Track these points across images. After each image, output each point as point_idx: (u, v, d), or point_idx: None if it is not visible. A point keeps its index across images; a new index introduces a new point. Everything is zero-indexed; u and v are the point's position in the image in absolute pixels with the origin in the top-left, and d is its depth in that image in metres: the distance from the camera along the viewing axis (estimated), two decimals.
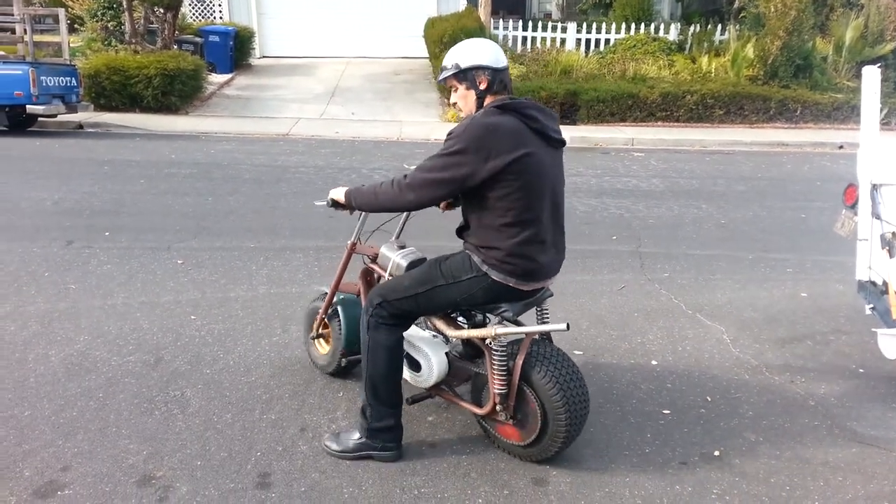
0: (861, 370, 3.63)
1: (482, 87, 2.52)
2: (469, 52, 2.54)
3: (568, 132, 11.68)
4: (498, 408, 2.66)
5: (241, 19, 17.52)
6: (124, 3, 13.47)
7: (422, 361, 2.82)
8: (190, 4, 17.68)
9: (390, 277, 2.90)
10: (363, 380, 2.72)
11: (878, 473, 2.76)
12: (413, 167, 2.78)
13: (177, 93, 12.69)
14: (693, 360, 3.69)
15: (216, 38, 15.64)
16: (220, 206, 6.54)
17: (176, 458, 2.74)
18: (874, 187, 3.51)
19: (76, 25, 15.74)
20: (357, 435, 2.76)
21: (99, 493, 2.51)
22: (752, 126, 12.83)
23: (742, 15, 15.35)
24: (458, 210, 2.71)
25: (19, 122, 10.78)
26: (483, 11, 15.26)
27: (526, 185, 2.43)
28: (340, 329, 3.18)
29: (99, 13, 14.81)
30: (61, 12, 10.85)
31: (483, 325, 2.74)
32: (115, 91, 12.41)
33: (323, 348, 3.37)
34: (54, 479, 2.58)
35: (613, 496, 2.59)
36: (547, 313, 2.85)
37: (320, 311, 3.25)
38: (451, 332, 2.76)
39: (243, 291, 4.44)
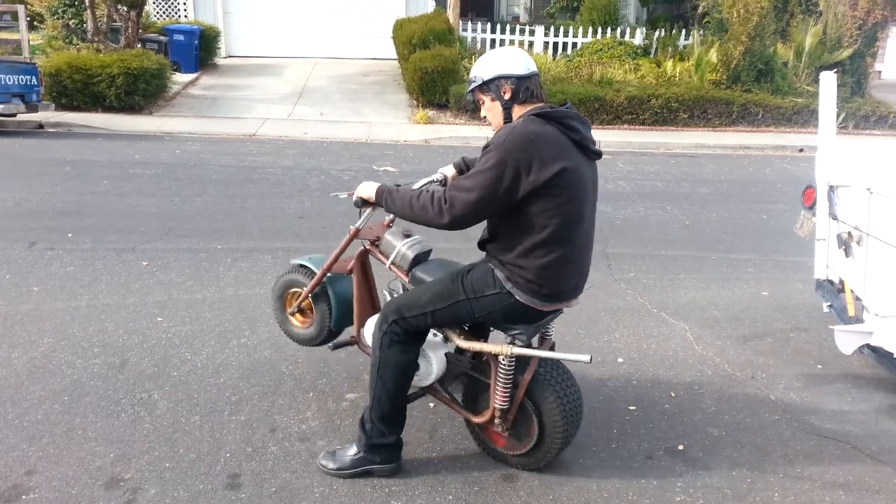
0: (819, 366, 3.74)
1: (506, 96, 2.40)
2: (491, 63, 2.43)
3: None
4: (497, 420, 2.61)
5: (207, 18, 17.31)
6: (87, 0, 13.23)
7: (421, 361, 2.68)
8: (154, 2, 17.42)
9: (392, 267, 2.82)
10: (370, 396, 2.62)
11: (835, 464, 2.85)
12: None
13: (140, 92, 12.48)
14: (658, 358, 3.77)
15: (181, 37, 15.43)
16: (187, 206, 6.47)
17: (144, 460, 2.72)
18: (831, 189, 3.62)
19: (36, 23, 15.42)
20: (354, 450, 2.67)
21: (65, 497, 2.48)
22: (715, 129, 13.08)
23: (706, 20, 15.64)
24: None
25: None
26: (452, 13, 15.32)
27: (567, 201, 2.30)
28: (329, 306, 3.07)
29: (60, 10, 14.54)
30: (20, 9, 10.60)
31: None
32: (77, 90, 12.17)
33: (301, 322, 3.26)
34: (18, 483, 2.55)
35: (581, 490, 2.65)
36: (552, 329, 2.80)
37: (306, 288, 3.08)
38: (463, 343, 2.64)
39: (211, 293, 4.40)
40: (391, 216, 2.85)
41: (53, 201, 6.42)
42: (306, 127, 11.90)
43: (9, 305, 4.10)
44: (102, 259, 4.97)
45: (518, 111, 2.42)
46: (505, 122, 2.43)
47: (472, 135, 11.82)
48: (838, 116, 9.37)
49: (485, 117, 2.53)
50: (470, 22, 16.07)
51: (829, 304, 3.70)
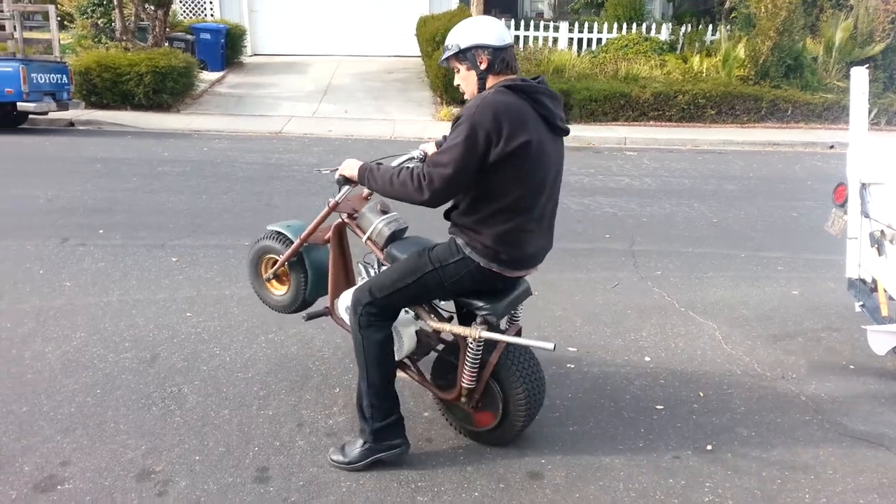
0: (851, 366, 3.68)
1: (482, 66, 2.43)
2: (469, 32, 2.45)
3: None
4: (463, 399, 2.72)
5: (233, 17, 17.47)
6: (115, 0, 13.42)
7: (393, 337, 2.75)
8: (181, 1, 17.62)
9: (368, 241, 2.87)
10: (360, 381, 2.66)
11: (867, 467, 2.80)
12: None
13: (168, 90, 12.65)
14: (686, 357, 3.74)
15: (207, 36, 15.59)
16: (215, 203, 6.54)
17: (174, 452, 2.76)
18: (863, 186, 3.56)
19: (66, 22, 15.67)
20: (361, 442, 2.69)
21: (98, 488, 2.52)
22: (743, 126, 12.92)
23: (733, 15, 15.43)
24: None
25: (10, 120, 10.71)
26: (475, 10, 15.26)
27: (527, 171, 2.38)
28: (305, 275, 3.14)
29: (89, 10, 14.76)
30: (51, 9, 10.78)
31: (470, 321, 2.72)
32: (107, 88, 12.36)
33: (278, 289, 3.32)
34: (54, 473, 2.60)
35: (608, 489, 2.63)
36: (521, 311, 2.90)
37: (283, 256, 3.13)
38: (434, 324, 2.73)
39: (238, 289, 4.45)
40: (368, 191, 2.89)
41: (84, 198, 6.53)
42: (331, 124, 11.96)
43: (42, 300, 4.18)
44: (133, 255, 5.04)
45: (492, 81, 2.45)
46: (479, 92, 2.46)
47: None
48: (870, 112, 9.18)
49: (458, 86, 2.56)
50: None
51: (861, 303, 3.64)
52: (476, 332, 2.55)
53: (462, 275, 2.51)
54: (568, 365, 3.59)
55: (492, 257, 2.46)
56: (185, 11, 17.74)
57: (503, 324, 2.81)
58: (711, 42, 15.37)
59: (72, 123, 11.48)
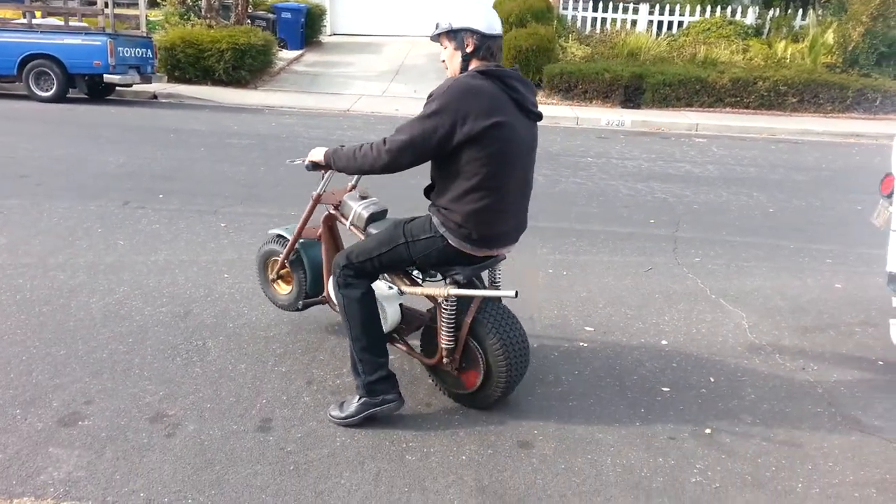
0: (881, 362, 3.53)
1: (468, 49, 2.52)
2: (463, 13, 2.53)
3: (630, 116, 11.49)
4: (445, 360, 2.83)
5: None
6: None
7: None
8: None
9: (351, 227, 3.05)
10: (349, 337, 2.81)
11: (872, 462, 2.71)
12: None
13: (247, 67, 13.13)
14: (705, 343, 3.67)
15: (288, 15, 16.04)
16: (271, 175, 6.80)
17: (188, 400, 2.95)
18: None
19: (159, 0, 16.43)
20: (357, 398, 2.82)
21: (114, 426, 2.74)
22: (826, 115, 12.33)
23: (826, 0, 14.65)
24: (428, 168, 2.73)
25: (98, 91, 11.39)
26: None
27: (497, 152, 2.46)
28: (305, 273, 3.34)
29: None
30: None
31: (440, 282, 2.87)
32: (189, 64, 12.95)
33: (283, 288, 3.56)
34: (77, 410, 2.83)
35: (594, 463, 2.65)
36: (499, 275, 2.95)
37: (282, 255, 3.37)
38: (406, 289, 2.88)
39: None
40: (353, 181, 3.13)
41: (152, 165, 6.92)
42: (399, 103, 12.14)
43: (96, 257, 4.49)
44: (186, 219, 5.33)
45: (473, 65, 2.54)
46: (461, 73, 2.55)
47: (563, 114, 11.68)
48: None
49: (443, 61, 2.64)
50: (571, 0, 15.76)
51: None
52: (444, 291, 2.69)
53: (430, 251, 2.64)
54: (581, 343, 3.60)
55: (463, 236, 2.56)
56: None
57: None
58: (800, 27, 14.65)
59: (155, 96, 12.10)
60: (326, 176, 3.05)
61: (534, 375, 3.24)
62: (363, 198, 3.08)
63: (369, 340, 2.77)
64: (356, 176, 3.21)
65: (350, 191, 3.19)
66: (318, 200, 3.17)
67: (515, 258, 4.79)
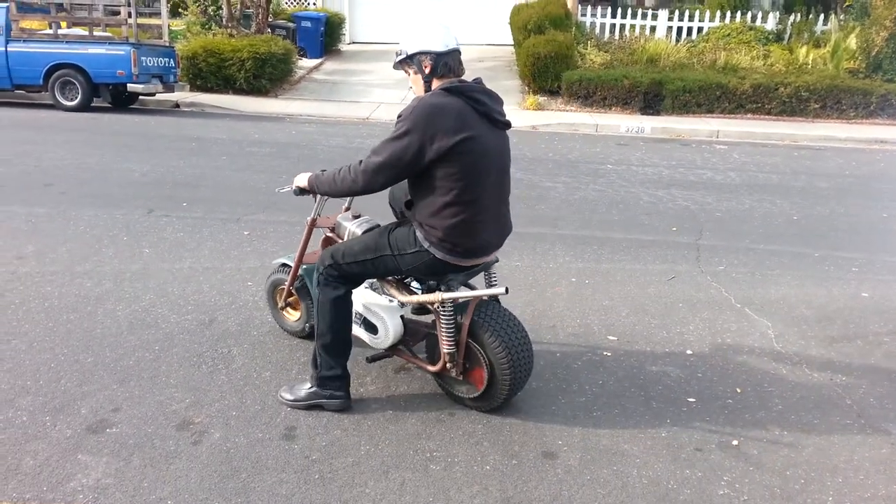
0: None
1: (426, 70, 2.63)
2: (415, 39, 2.65)
3: (650, 122, 11.43)
4: (448, 365, 2.86)
5: (333, 5, 18.03)
6: None
7: (378, 325, 3.04)
8: None
9: None
10: (316, 331, 2.90)
11: None
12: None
13: (267, 76, 13.23)
14: (730, 353, 3.64)
15: (308, 24, 16.17)
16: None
17: (214, 407, 2.97)
18: None
19: (180, 10, 16.64)
20: (308, 385, 2.96)
21: (142, 433, 2.76)
22: (850, 121, 12.19)
23: (848, 4, 14.51)
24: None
25: (122, 100, 11.54)
26: None
27: (469, 165, 2.54)
28: (311, 299, 3.38)
29: None
30: None
31: (436, 289, 2.91)
32: (211, 73, 13.08)
33: (292, 315, 3.62)
34: (105, 418, 2.86)
35: (620, 475, 2.63)
36: (495, 277, 3.01)
37: (286, 283, 3.44)
38: (403, 298, 2.97)
39: None
40: (347, 202, 3.25)
41: (175, 173, 7.00)
42: None
43: (122, 264, 4.55)
44: (209, 227, 5.38)
45: (436, 84, 2.64)
46: (425, 94, 2.63)
47: (582, 121, 11.65)
48: None
49: (411, 87, 2.74)
50: (590, 6, 15.75)
51: None
52: (438, 296, 2.76)
53: (418, 265, 2.74)
54: (604, 353, 3.58)
55: (448, 250, 2.65)
56: (288, 0, 18.43)
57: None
58: (822, 32, 14.53)
59: (177, 105, 12.24)
60: (318, 201, 3.12)
61: (557, 385, 3.23)
62: (356, 217, 3.19)
63: (332, 340, 2.87)
64: (349, 198, 3.29)
65: (344, 212, 3.30)
66: (313, 225, 3.25)
67: (537, 266, 4.79)
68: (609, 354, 3.57)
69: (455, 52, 2.66)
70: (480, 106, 2.59)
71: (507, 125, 2.74)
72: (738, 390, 3.27)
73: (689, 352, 3.64)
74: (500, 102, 2.72)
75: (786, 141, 10.98)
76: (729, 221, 6.10)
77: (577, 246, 5.26)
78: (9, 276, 4.25)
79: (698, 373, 3.42)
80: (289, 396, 2.99)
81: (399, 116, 2.56)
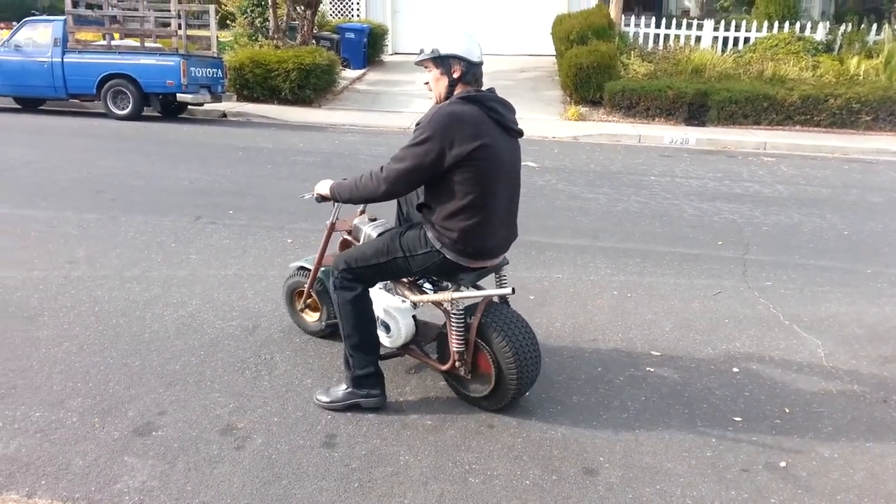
0: None
1: (455, 75, 2.71)
2: (450, 41, 2.72)
3: (695, 134, 11.28)
4: (457, 364, 2.96)
5: (377, 17, 18.22)
6: (269, 0, 14.41)
7: (391, 324, 3.16)
8: (330, 2, 18.60)
9: None
10: (342, 335, 2.99)
11: None
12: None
13: (311, 86, 13.43)
14: (778, 371, 3.55)
15: (352, 35, 16.38)
16: None
17: (257, 413, 3.01)
18: None
19: (228, 21, 17.02)
20: (344, 386, 3.02)
21: (186, 437, 2.81)
22: None
23: None
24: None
25: (171, 110, 11.83)
26: (614, 8, 14.99)
27: (484, 171, 2.64)
28: (330, 300, 3.42)
29: (248, 10, 15.94)
30: (211, 9, 11.82)
31: (446, 289, 3.00)
32: (257, 83, 13.33)
33: (311, 316, 3.72)
34: (151, 421, 2.92)
35: (663, 494, 2.58)
36: (505, 279, 3.08)
37: (306, 285, 3.54)
38: (414, 297, 3.09)
39: None
40: (362, 206, 3.36)
41: (222, 182, 7.14)
42: None
43: (170, 270, 4.65)
44: (254, 235, 5.47)
45: (459, 90, 2.73)
46: (446, 97, 2.74)
47: (624, 132, 11.55)
48: None
49: (426, 83, 2.82)
50: (633, 16, 15.62)
51: None
52: (449, 295, 2.88)
53: (429, 265, 2.84)
54: (647, 368, 3.52)
55: (459, 251, 2.75)
56: (333, 12, 18.72)
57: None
58: (875, 43, 14.15)
59: (224, 115, 12.50)
60: (337, 206, 3.23)
61: (598, 401, 3.19)
62: (372, 220, 3.30)
63: (360, 338, 2.96)
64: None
65: (360, 216, 3.40)
66: (332, 229, 3.37)
67: (577, 279, 4.74)
68: (652, 370, 3.51)
69: (481, 66, 2.77)
70: (495, 114, 2.68)
71: (520, 133, 2.83)
72: (787, 410, 3.18)
73: (735, 369, 3.56)
74: (513, 111, 2.81)
75: (836, 154, 10.71)
76: (777, 236, 5.96)
77: (618, 258, 5.20)
78: (62, 280, 4.38)
79: (745, 391, 3.34)
80: (325, 399, 3.05)
81: (418, 124, 2.66)
